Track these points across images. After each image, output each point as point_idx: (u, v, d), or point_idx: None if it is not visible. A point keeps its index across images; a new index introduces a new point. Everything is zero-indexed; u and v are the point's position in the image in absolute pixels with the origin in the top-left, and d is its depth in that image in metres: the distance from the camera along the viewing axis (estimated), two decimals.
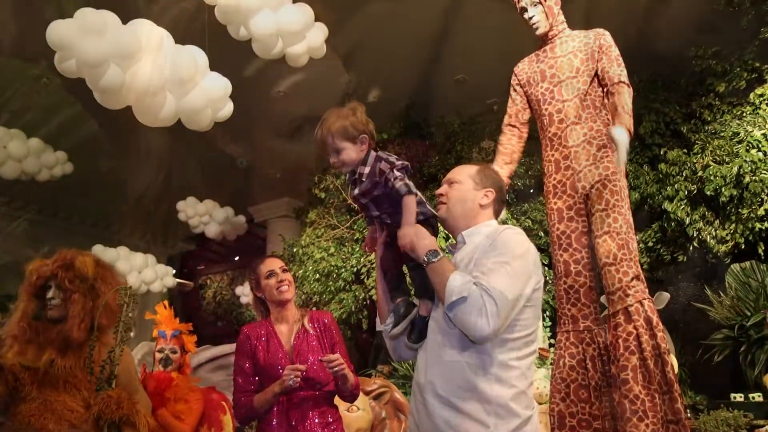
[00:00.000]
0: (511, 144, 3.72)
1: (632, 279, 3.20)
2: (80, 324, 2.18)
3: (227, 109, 4.54)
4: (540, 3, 3.57)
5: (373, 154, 1.97)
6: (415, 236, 1.86)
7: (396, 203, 1.92)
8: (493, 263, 1.77)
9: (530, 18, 3.59)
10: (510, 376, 1.76)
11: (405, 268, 2.06)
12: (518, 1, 3.64)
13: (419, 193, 1.97)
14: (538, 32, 3.60)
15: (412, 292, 2.02)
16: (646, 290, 3.25)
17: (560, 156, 3.48)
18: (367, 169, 1.94)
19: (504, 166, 3.67)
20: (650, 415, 2.94)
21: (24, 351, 2.14)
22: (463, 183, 2.01)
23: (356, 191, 1.97)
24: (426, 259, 1.83)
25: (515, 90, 3.75)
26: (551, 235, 3.51)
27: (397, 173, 1.90)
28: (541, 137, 3.63)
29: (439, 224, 2.05)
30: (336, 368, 2.44)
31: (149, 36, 4.03)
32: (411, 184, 1.92)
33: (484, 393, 1.73)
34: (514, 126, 3.72)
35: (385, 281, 2.06)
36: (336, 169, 2.01)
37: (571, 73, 3.50)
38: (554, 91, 3.53)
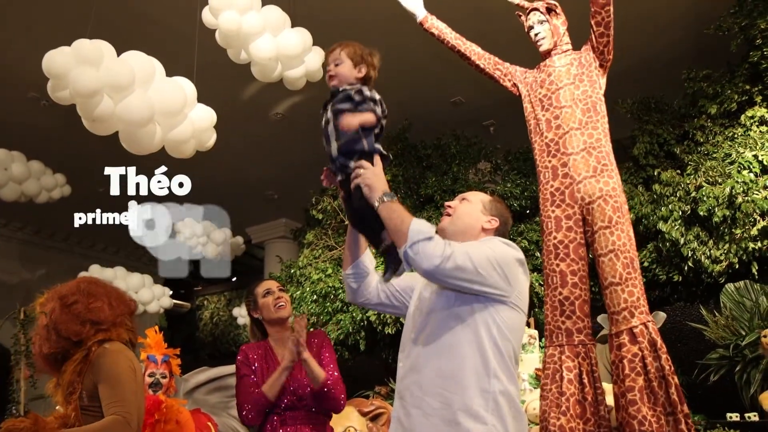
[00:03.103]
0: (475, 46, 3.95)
1: (637, 299, 3.21)
2: (36, 357, 2.31)
3: (211, 140, 4.70)
4: (547, 21, 3.67)
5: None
6: (373, 174, 1.89)
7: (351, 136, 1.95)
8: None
9: (536, 35, 3.68)
10: (504, 376, 1.79)
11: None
12: (526, 20, 3.75)
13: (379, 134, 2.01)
14: (541, 48, 3.70)
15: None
16: (648, 310, 3.26)
17: (558, 163, 3.49)
18: (348, 86, 2.04)
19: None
20: None
21: None
22: (473, 203, 2.08)
23: (329, 104, 2.04)
24: (382, 198, 1.84)
25: (501, 69, 3.88)
26: (546, 244, 3.48)
27: (379, 108, 1.98)
28: (535, 143, 3.65)
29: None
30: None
31: (142, 67, 4.12)
32: (381, 116, 1.99)
33: (480, 388, 1.74)
34: (487, 57, 3.92)
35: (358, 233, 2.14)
36: (328, 80, 2.11)
37: (569, 80, 3.56)
38: (552, 98, 3.58)
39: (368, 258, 2.19)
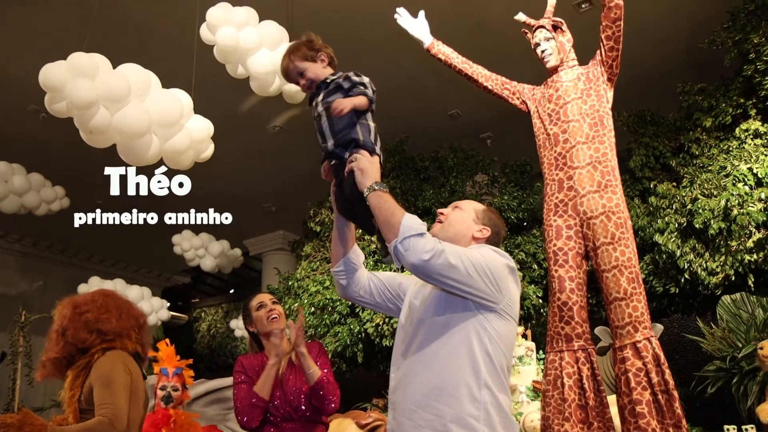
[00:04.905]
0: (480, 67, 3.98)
1: (641, 314, 3.25)
2: (44, 361, 2.36)
3: (209, 150, 4.73)
4: (553, 38, 3.73)
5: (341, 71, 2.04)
6: (369, 161, 1.87)
7: (345, 126, 1.92)
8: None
9: (542, 51, 3.74)
10: (496, 386, 1.77)
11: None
12: (533, 37, 3.81)
13: (372, 126, 1.98)
14: (548, 65, 3.76)
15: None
16: (650, 324, 3.29)
17: (564, 176, 3.55)
18: (333, 77, 2.01)
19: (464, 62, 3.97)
20: None
21: None
22: (466, 212, 2.07)
23: (320, 97, 1.99)
24: (374, 186, 1.82)
25: (509, 88, 3.93)
26: (547, 252, 3.56)
27: (369, 90, 1.94)
28: (544, 157, 3.70)
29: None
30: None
31: (138, 79, 4.16)
32: (372, 98, 1.96)
33: (472, 398, 1.73)
34: (495, 78, 3.96)
35: (343, 223, 2.11)
36: (307, 91, 2.06)
37: (576, 95, 3.62)
38: (560, 112, 3.64)
39: (356, 253, 2.15)
